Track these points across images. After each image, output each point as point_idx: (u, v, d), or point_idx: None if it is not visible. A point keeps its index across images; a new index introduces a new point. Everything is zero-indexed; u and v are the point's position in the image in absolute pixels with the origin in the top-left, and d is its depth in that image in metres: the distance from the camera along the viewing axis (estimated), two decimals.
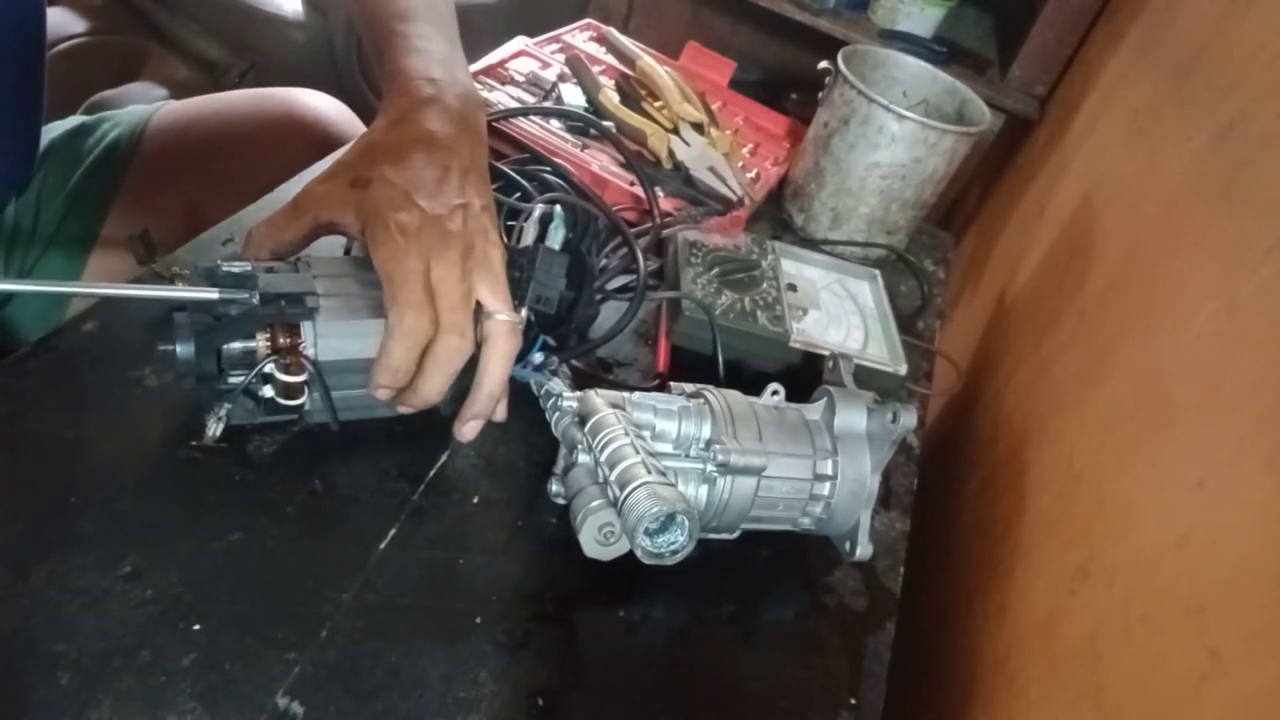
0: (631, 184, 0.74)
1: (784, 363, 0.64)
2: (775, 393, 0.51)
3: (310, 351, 0.43)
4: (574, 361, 0.58)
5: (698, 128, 0.83)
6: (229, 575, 0.41)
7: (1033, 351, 0.73)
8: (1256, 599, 0.33)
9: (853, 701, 0.46)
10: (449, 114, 0.48)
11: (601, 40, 1.00)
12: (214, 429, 0.42)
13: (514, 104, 0.79)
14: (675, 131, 0.82)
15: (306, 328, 0.43)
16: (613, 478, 0.42)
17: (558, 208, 0.60)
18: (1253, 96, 0.54)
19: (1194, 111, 0.63)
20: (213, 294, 0.40)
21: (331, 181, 0.46)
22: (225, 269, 0.42)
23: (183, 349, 0.40)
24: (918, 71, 0.86)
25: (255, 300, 0.40)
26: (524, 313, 0.47)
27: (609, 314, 0.62)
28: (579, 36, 1.00)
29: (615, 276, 0.65)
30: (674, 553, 0.42)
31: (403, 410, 0.46)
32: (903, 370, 0.65)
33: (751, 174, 0.85)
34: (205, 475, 0.44)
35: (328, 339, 0.43)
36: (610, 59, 0.96)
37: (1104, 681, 0.40)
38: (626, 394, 0.47)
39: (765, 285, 0.67)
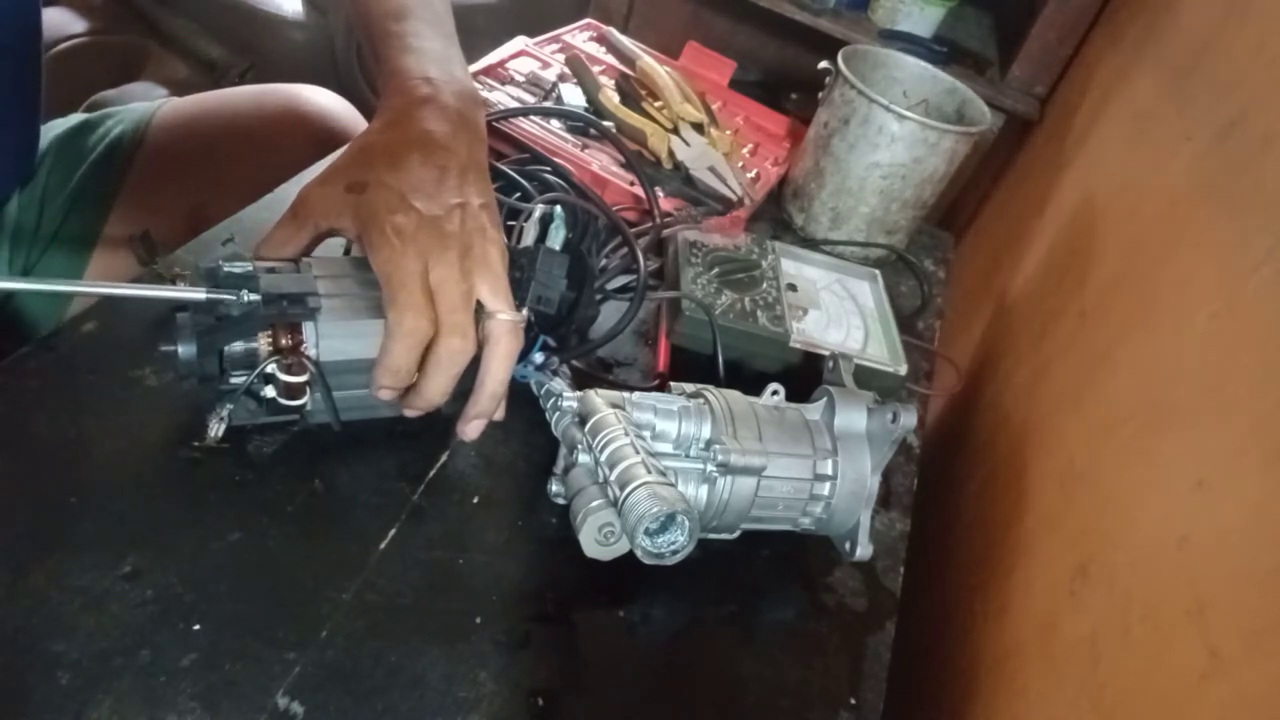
0: (631, 184, 0.74)
1: (784, 363, 0.64)
2: (775, 393, 0.51)
3: (312, 352, 0.43)
4: (574, 361, 0.58)
5: (698, 128, 0.83)
6: (229, 575, 0.41)
7: (1033, 351, 0.73)
8: (1256, 599, 0.33)
9: (853, 701, 0.46)
10: (446, 113, 0.48)
11: (601, 40, 1.00)
12: (216, 429, 0.42)
13: (514, 104, 0.79)
14: (675, 131, 0.82)
15: (308, 328, 0.43)
16: (613, 478, 0.42)
17: (558, 208, 0.60)
18: (1253, 96, 0.54)
19: (1194, 111, 0.63)
20: (200, 294, 0.40)
21: (327, 186, 0.46)
22: (227, 269, 0.42)
23: (184, 350, 0.40)
24: (918, 71, 0.86)
25: (245, 299, 0.40)
26: (524, 312, 0.47)
27: (609, 314, 0.62)
28: (579, 36, 1.00)
29: (615, 276, 0.65)
30: (674, 553, 0.42)
31: (408, 413, 0.46)
32: (903, 370, 0.65)
33: (751, 174, 0.85)
34: (206, 475, 0.44)
35: (330, 339, 0.43)
36: (610, 59, 0.96)
37: (1104, 681, 0.40)
38: (626, 394, 0.47)
39: (765, 285, 0.68)
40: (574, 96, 0.84)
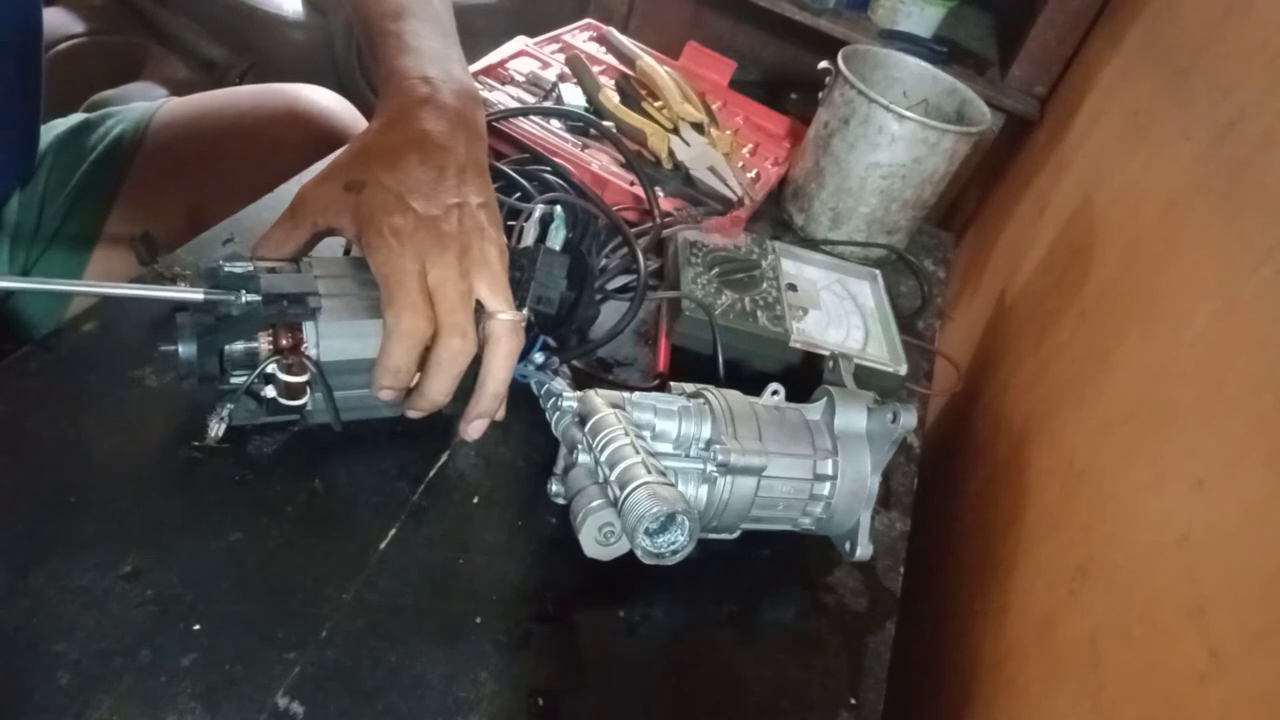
0: (631, 184, 0.74)
1: (784, 363, 0.64)
2: (775, 393, 0.51)
3: (312, 352, 0.43)
4: (574, 361, 0.58)
5: (698, 128, 0.83)
6: (229, 575, 0.41)
7: (1033, 351, 0.73)
8: (1256, 599, 0.33)
9: (853, 701, 0.46)
10: (444, 112, 0.48)
11: (601, 40, 1.00)
12: (216, 429, 0.42)
13: (514, 104, 0.79)
14: (675, 131, 0.82)
15: (309, 328, 0.43)
16: (613, 478, 0.42)
17: (558, 208, 0.60)
18: (1253, 96, 0.54)
19: (1194, 111, 0.63)
20: (198, 294, 0.40)
21: (325, 185, 0.46)
22: (227, 269, 0.42)
23: (185, 350, 0.40)
24: (918, 71, 0.86)
25: (245, 299, 0.40)
26: (524, 312, 0.48)
27: (609, 314, 0.62)
28: (579, 36, 1.00)
29: (615, 276, 0.65)
30: (674, 553, 0.42)
31: (411, 414, 0.46)
32: (903, 370, 0.65)
33: (751, 174, 0.85)
34: (206, 475, 0.44)
35: (330, 339, 0.43)
36: (610, 59, 0.96)
37: (1104, 681, 0.40)
38: (626, 394, 0.47)
39: (765, 285, 0.68)
40: (574, 96, 0.84)
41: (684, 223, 0.72)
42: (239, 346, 0.42)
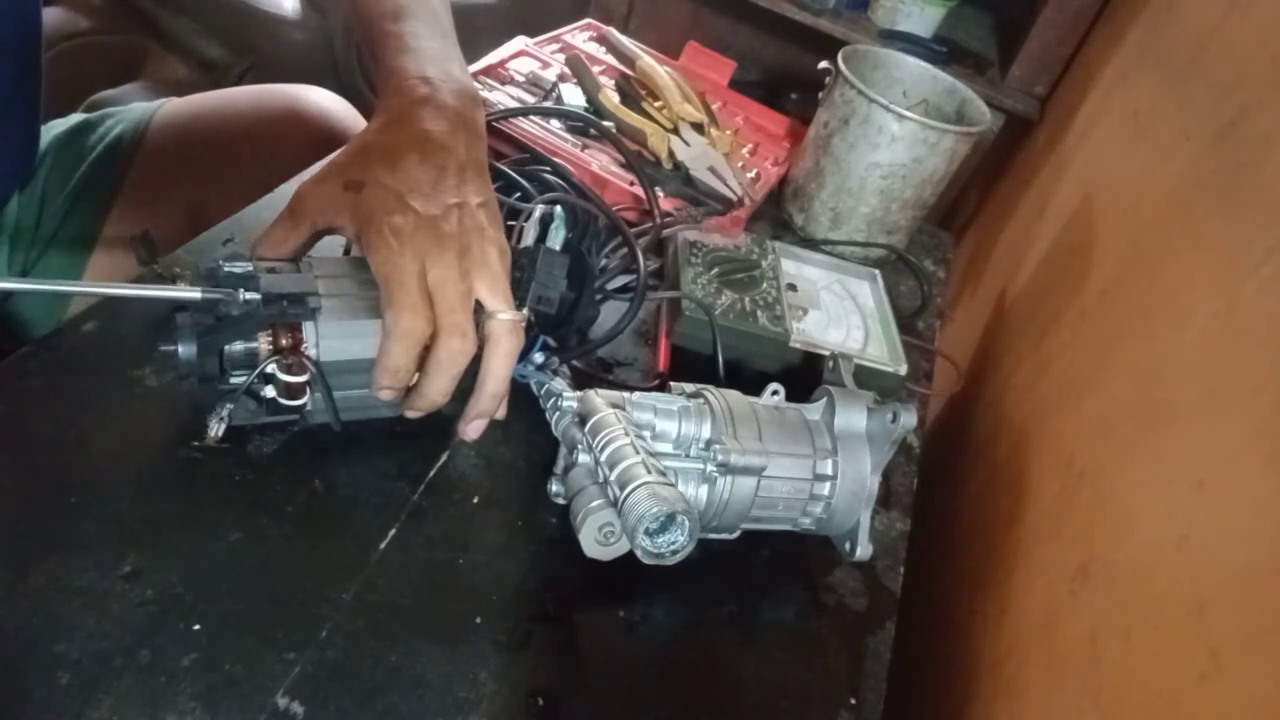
0: (631, 184, 0.74)
1: (784, 363, 0.64)
2: (775, 393, 0.51)
3: (312, 352, 0.43)
4: (574, 361, 0.58)
5: (698, 128, 0.83)
6: (229, 575, 0.41)
7: (1033, 351, 0.73)
8: (1256, 599, 0.33)
9: (853, 701, 0.46)
10: (444, 112, 0.48)
11: (601, 40, 1.00)
12: (216, 429, 0.42)
13: (514, 104, 0.79)
14: (675, 131, 0.82)
15: (308, 328, 0.43)
16: (613, 478, 0.42)
17: (558, 208, 0.60)
18: (1253, 96, 0.54)
19: (1194, 111, 0.63)
20: (195, 293, 0.40)
21: (325, 184, 0.46)
22: (227, 269, 0.42)
23: (184, 350, 0.40)
24: (918, 71, 0.86)
25: (244, 298, 0.40)
26: (524, 312, 0.48)
27: (609, 314, 0.62)
28: (579, 36, 1.00)
29: (615, 276, 0.65)
30: (674, 553, 0.42)
31: (410, 414, 0.46)
32: (903, 370, 0.65)
33: (751, 174, 0.85)
34: (206, 475, 0.44)
35: (330, 339, 0.43)
36: (610, 59, 0.96)
37: (1104, 681, 0.40)
38: (626, 394, 0.47)
39: (765, 285, 0.68)
40: (574, 96, 0.84)
41: (684, 223, 0.72)
42: (239, 346, 0.42)
